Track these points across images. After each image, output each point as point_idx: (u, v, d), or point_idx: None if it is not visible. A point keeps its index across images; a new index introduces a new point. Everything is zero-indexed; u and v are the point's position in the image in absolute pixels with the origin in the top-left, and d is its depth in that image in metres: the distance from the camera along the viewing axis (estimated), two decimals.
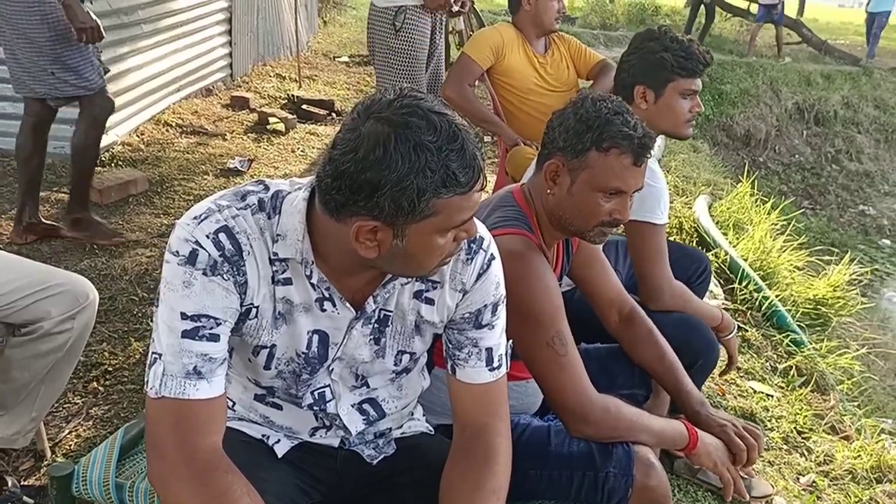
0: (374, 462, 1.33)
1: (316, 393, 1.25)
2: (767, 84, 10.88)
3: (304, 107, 5.92)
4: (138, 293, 2.92)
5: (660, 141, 5.15)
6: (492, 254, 1.24)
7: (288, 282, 1.14)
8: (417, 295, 1.22)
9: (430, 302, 1.23)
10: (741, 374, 3.01)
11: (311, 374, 1.23)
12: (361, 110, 1.02)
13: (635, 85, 2.07)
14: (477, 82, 3.22)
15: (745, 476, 2.15)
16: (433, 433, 1.44)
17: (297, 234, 1.10)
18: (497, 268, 1.25)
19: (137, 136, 4.66)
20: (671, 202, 4.89)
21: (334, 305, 1.17)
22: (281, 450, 1.30)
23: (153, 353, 1.07)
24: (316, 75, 7.42)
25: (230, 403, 1.31)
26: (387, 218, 1.01)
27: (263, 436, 1.31)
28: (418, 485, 1.29)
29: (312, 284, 1.14)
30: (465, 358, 1.25)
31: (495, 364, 1.26)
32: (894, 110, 11.77)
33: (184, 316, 1.05)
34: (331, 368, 1.24)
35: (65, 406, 2.25)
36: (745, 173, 5.70)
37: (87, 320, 1.80)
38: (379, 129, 0.98)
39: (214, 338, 1.07)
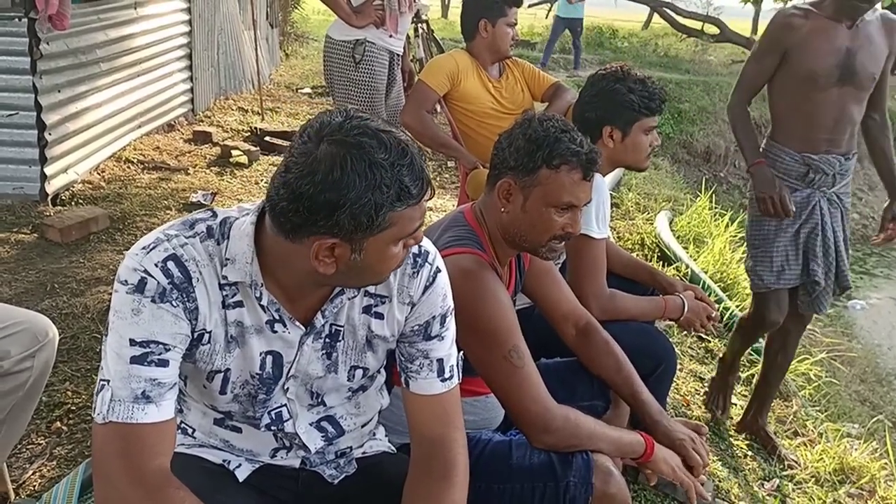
0: (336, 482, 1.34)
1: (273, 413, 1.27)
2: (724, 101, 11.13)
3: (267, 139, 5.92)
4: (101, 331, 2.89)
5: (616, 174, 5.24)
6: (437, 266, 1.28)
7: (239, 304, 1.16)
8: (367, 310, 1.25)
9: (379, 316, 1.26)
10: (704, 384, 3.06)
11: (268, 395, 1.24)
12: (312, 133, 1.05)
13: (603, 125, 2.14)
14: (438, 108, 3.28)
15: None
16: (395, 452, 1.45)
17: (245, 258, 1.12)
18: (443, 280, 1.28)
19: (98, 173, 4.64)
20: (632, 219, 4.98)
21: (285, 326, 1.19)
22: (242, 474, 1.30)
23: (101, 379, 1.08)
24: (278, 107, 7.45)
25: (190, 430, 1.32)
26: (345, 234, 1.05)
27: (224, 461, 1.31)
28: (380, 503, 1.29)
29: (262, 307, 1.16)
30: (416, 370, 1.28)
31: (447, 375, 1.29)
32: None
33: (132, 342, 1.07)
34: (286, 387, 1.25)
35: (28, 447, 2.21)
36: (704, 188, 5.81)
37: (47, 358, 1.78)
38: (334, 151, 1.02)
39: (163, 363, 1.08)
